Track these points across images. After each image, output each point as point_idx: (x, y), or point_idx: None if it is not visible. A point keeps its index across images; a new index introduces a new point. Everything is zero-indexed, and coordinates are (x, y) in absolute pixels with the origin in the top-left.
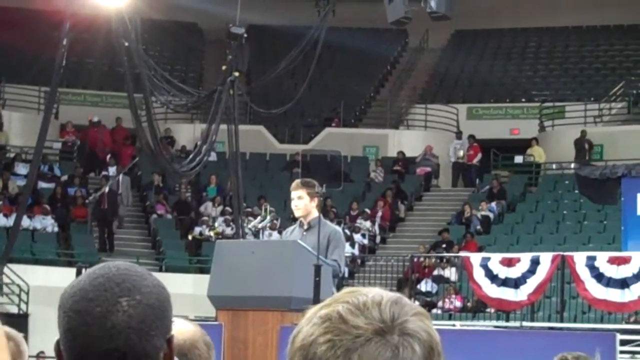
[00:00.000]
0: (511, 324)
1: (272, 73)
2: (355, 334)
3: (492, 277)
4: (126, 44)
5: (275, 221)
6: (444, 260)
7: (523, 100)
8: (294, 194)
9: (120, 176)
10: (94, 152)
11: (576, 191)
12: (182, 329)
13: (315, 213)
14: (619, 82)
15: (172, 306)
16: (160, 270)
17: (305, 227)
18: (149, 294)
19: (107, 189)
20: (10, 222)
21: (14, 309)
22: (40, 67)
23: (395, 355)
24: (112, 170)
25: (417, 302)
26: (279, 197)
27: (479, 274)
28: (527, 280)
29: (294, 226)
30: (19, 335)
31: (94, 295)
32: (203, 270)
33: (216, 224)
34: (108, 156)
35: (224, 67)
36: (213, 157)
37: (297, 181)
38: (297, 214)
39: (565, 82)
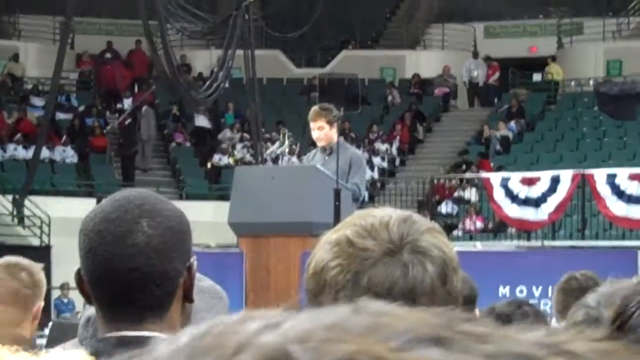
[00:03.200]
0: (532, 243)
1: None
2: (363, 256)
3: (513, 197)
4: None
5: (294, 146)
6: (464, 181)
7: (541, 16)
8: (314, 125)
9: (144, 109)
10: (111, 89)
11: (596, 108)
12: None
13: (335, 137)
14: None
15: (192, 234)
16: (181, 198)
17: (327, 151)
18: (169, 217)
19: (116, 123)
20: (29, 154)
21: (36, 241)
22: None
23: (405, 274)
24: (127, 102)
25: (436, 224)
26: (297, 122)
27: (499, 194)
28: (548, 199)
29: (314, 151)
30: (34, 265)
31: (115, 216)
32: (223, 197)
33: (235, 151)
34: (128, 85)
35: None
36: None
37: (314, 110)
38: (320, 144)
39: None
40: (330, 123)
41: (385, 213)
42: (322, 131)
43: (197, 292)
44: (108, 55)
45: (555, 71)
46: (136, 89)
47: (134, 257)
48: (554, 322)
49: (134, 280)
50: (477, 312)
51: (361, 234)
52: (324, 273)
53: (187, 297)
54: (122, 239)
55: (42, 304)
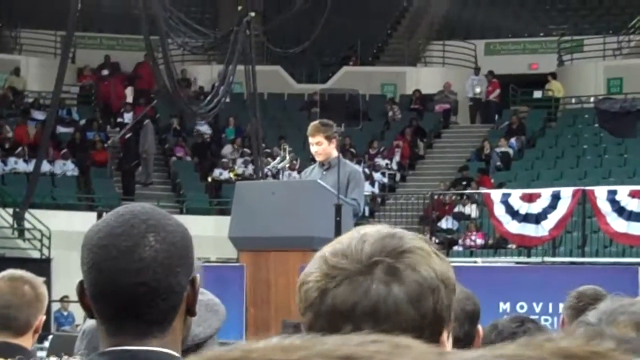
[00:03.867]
0: (533, 259)
1: (288, 12)
2: (332, 274)
3: (513, 213)
4: None
5: (294, 161)
6: (465, 197)
7: (541, 34)
8: (312, 140)
9: (145, 123)
10: (107, 104)
11: (596, 125)
12: None
13: (334, 153)
14: (638, 14)
15: (194, 248)
16: (181, 212)
17: (325, 166)
18: (173, 232)
19: (117, 138)
20: (30, 167)
21: (36, 254)
22: (56, 11)
23: (366, 294)
24: (127, 117)
25: (436, 240)
26: (298, 137)
27: (499, 210)
28: (548, 215)
29: (313, 166)
30: (36, 279)
31: (121, 231)
32: (224, 212)
33: (235, 166)
34: (128, 98)
35: (240, 7)
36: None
37: (313, 126)
38: (318, 159)
39: (584, 15)
40: (328, 138)
41: (370, 230)
42: (321, 146)
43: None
44: (105, 71)
45: (555, 88)
46: (139, 102)
47: (140, 272)
48: None
49: (140, 295)
50: (479, 328)
51: (336, 252)
52: (302, 288)
53: (190, 311)
54: (128, 253)
55: (44, 317)
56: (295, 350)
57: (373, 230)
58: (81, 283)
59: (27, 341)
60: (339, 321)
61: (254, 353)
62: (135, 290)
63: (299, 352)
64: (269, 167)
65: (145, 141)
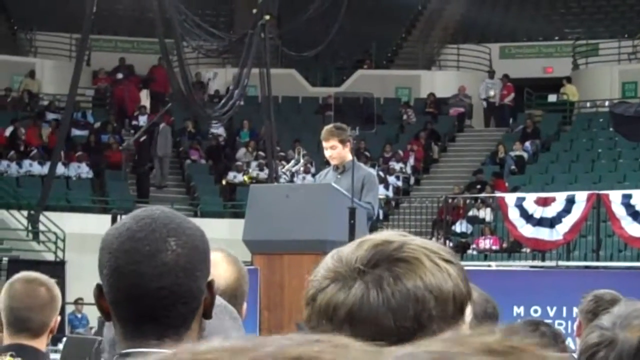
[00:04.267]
0: (547, 263)
1: (303, 16)
2: (327, 276)
3: (527, 217)
4: None
5: (309, 164)
6: (479, 200)
7: (556, 38)
8: (326, 144)
9: (161, 126)
10: (122, 107)
11: (611, 129)
12: (225, 275)
13: (349, 157)
14: None
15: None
16: (195, 215)
17: (339, 170)
18: (193, 236)
19: (132, 140)
20: (45, 169)
21: (50, 257)
22: (71, 13)
23: (344, 299)
24: (142, 119)
25: (450, 244)
26: (312, 140)
27: (514, 214)
28: (563, 219)
29: (327, 169)
30: (50, 281)
31: (142, 235)
32: (238, 215)
33: (250, 169)
34: (143, 101)
35: (254, 11)
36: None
37: (327, 130)
38: (333, 163)
39: (599, 19)
40: (342, 142)
41: (375, 236)
42: (335, 150)
43: (220, 311)
44: (120, 74)
45: (570, 92)
46: (153, 106)
47: (162, 276)
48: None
49: (161, 299)
50: None
51: (336, 255)
52: (307, 285)
53: (206, 314)
54: (150, 257)
55: (58, 318)
56: (243, 352)
57: (378, 236)
58: (98, 286)
59: (41, 343)
60: (323, 322)
61: (202, 355)
62: (157, 295)
63: (247, 354)
64: (283, 170)
65: (164, 144)
